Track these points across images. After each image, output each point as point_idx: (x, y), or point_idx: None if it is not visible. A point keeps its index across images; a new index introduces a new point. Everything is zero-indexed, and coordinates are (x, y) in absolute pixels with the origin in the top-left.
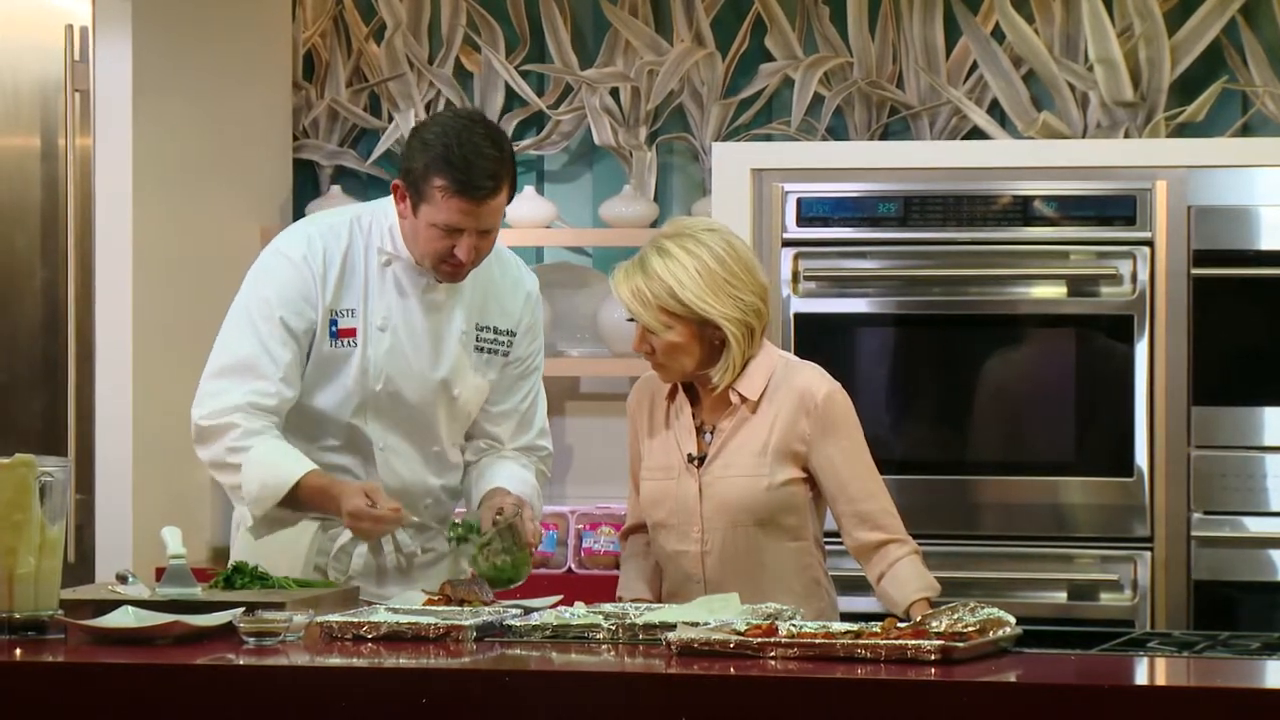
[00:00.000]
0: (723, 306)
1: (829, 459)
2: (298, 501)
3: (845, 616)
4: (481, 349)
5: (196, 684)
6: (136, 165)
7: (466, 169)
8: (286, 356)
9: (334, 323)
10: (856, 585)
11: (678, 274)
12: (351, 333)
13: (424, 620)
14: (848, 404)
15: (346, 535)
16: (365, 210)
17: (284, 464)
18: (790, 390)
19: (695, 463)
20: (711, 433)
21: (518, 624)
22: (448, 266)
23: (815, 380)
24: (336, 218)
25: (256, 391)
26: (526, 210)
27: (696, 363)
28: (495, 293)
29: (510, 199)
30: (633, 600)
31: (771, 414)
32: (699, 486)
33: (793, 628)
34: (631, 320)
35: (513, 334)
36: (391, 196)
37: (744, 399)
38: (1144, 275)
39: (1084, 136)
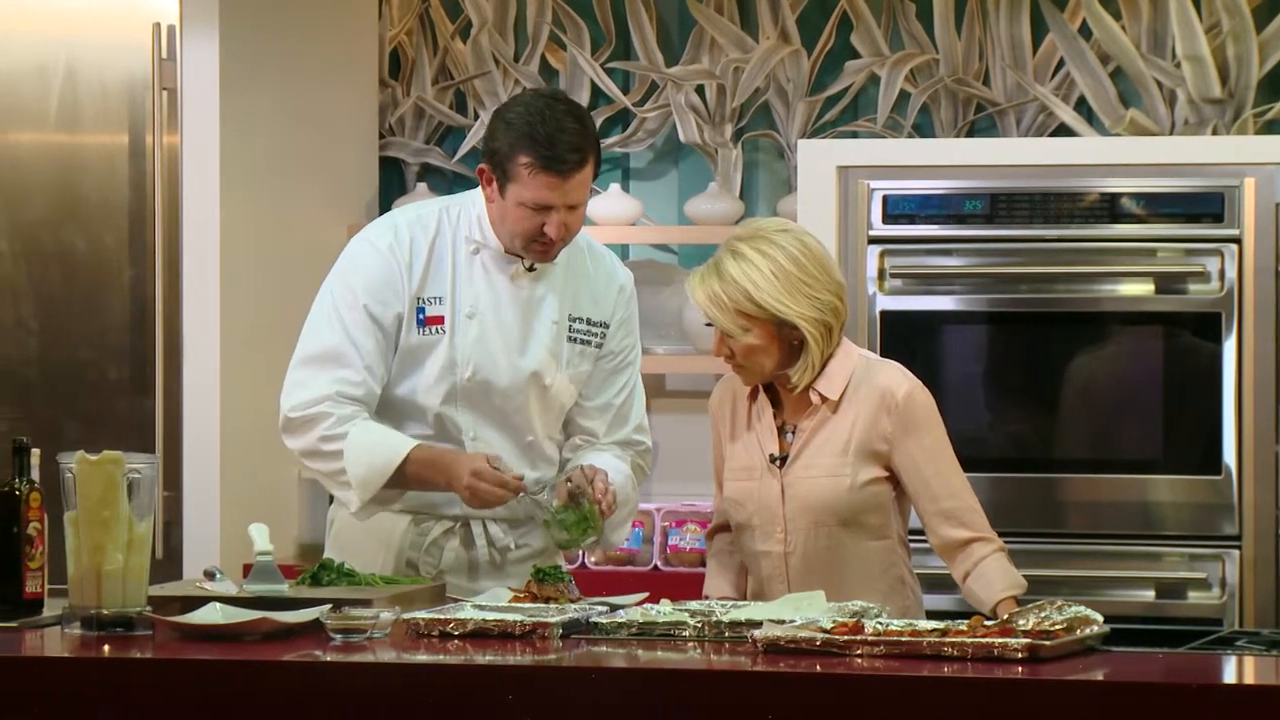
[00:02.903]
0: (800, 306)
1: (911, 458)
2: (404, 478)
3: (930, 615)
4: (574, 339)
5: (284, 680)
6: (223, 163)
7: (551, 144)
8: (370, 345)
9: (421, 310)
10: (940, 583)
11: (753, 276)
12: (439, 320)
13: (510, 617)
14: (929, 402)
15: (439, 529)
16: (454, 200)
17: (388, 442)
18: (871, 389)
19: (777, 463)
20: (793, 433)
21: (604, 621)
22: (539, 246)
23: (896, 378)
24: (425, 208)
25: (343, 380)
26: (612, 207)
27: (776, 364)
28: (588, 284)
29: (596, 174)
30: (718, 599)
31: (853, 413)
32: (781, 487)
33: (879, 625)
34: (709, 325)
35: (605, 326)
36: (479, 189)
37: (824, 399)
38: (1232, 273)
39: (1171, 134)
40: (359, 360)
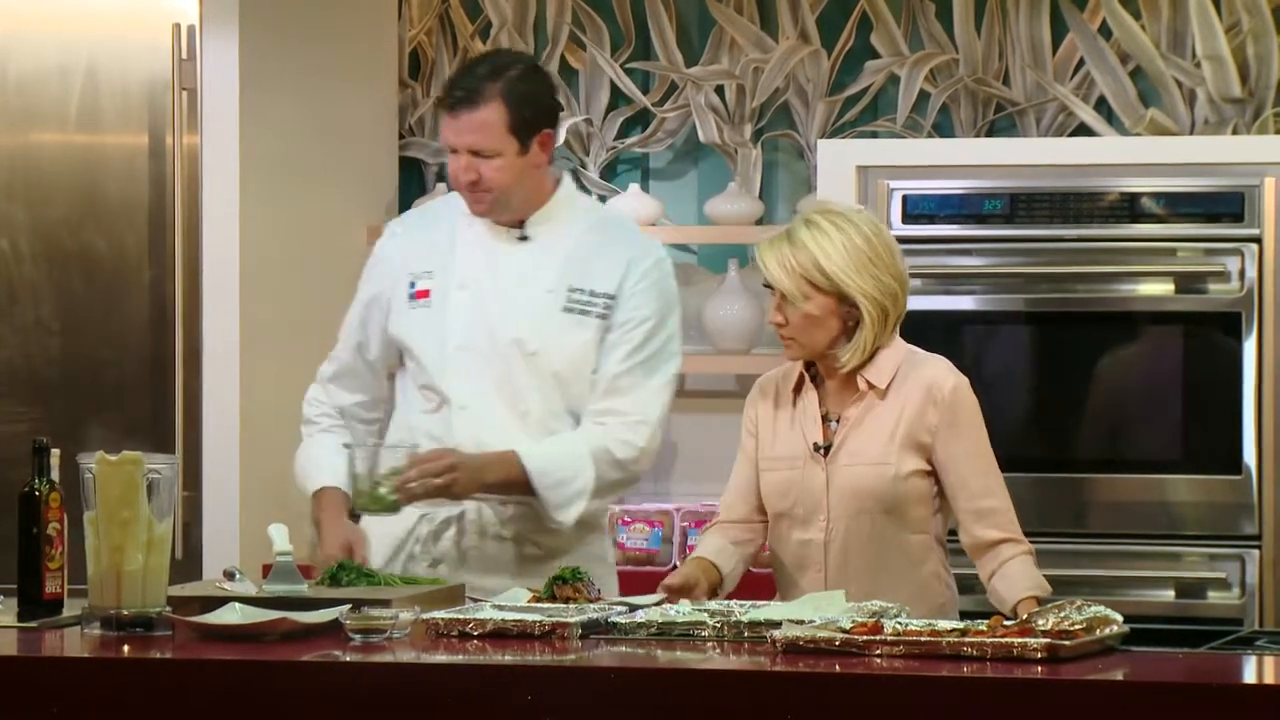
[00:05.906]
0: (863, 283)
1: (952, 454)
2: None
3: (961, 615)
4: (571, 309)
5: (303, 681)
6: (243, 163)
7: (451, 85)
8: (345, 356)
9: (412, 284)
10: (966, 584)
11: (825, 246)
12: (425, 294)
13: (529, 617)
14: (973, 398)
15: (440, 515)
16: None
17: (311, 472)
18: (918, 381)
19: (822, 451)
20: (837, 421)
21: (623, 621)
22: (467, 194)
23: (942, 372)
24: (439, 199)
25: (333, 389)
26: (631, 208)
27: (829, 340)
28: (592, 256)
29: (511, 127)
30: (713, 552)
31: (899, 404)
32: (826, 475)
33: (898, 625)
34: (768, 288)
35: (610, 297)
36: None
37: (872, 386)
38: (1252, 272)
39: (1191, 133)
40: (328, 373)
